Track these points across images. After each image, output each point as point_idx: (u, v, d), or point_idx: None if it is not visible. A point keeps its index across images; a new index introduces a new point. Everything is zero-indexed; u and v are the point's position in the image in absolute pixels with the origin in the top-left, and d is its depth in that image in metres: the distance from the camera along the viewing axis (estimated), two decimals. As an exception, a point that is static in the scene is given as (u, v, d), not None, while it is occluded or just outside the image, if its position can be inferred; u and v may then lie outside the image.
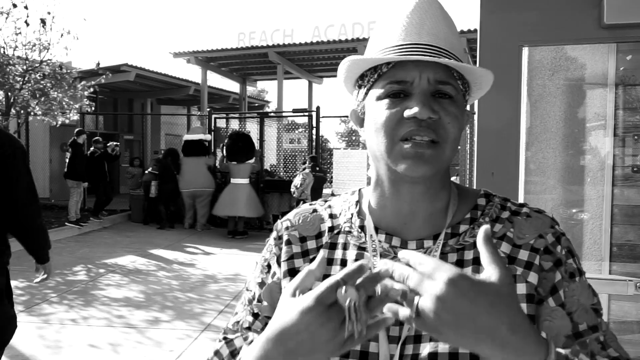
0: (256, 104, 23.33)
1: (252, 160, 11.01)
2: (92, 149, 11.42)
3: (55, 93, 9.76)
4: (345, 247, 0.90)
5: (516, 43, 2.19)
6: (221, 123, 13.45)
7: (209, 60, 16.37)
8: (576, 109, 2.58)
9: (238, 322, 0.96)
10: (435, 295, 0.59)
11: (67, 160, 10.81)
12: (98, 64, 10.94)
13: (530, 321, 0.64)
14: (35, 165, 14.28)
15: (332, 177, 11.63)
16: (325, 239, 0.93)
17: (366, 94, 0.87)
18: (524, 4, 2.28)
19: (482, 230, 0.66)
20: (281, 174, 13.94)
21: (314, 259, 0.85)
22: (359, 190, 0.99)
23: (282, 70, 15.59)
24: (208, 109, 13.81)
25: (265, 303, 0.94)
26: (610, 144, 2.60)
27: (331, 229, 0.94)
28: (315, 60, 16.25)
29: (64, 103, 9.98)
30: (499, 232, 0.85)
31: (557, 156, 2.38)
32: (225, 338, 0.93)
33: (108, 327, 5.09)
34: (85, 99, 10.64)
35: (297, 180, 10.27)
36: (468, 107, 0.92)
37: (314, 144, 11.61)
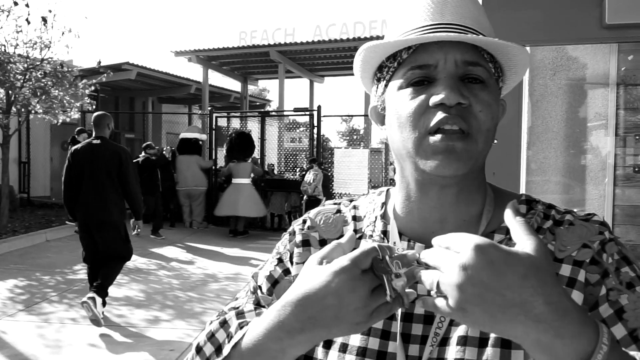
0: (257, 103, 23.34)
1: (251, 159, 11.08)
2: (142, 155, 10.55)
3: (56, 91, 9.76)
4: None
5: (518, 42, 2.19)
6: (222, 122, 13.46)
7: (210, 59, 16.38)
8: (577, 108, 2.58)
9: (236, 307, 0.86)
10: (459, 265, 0.53)
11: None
12: (99, 62, 10.97)
13: (573, 300, 0.55)
14: (36, 163, 14.33)
15: (333, 177, 11.62)
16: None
17: (386, 86, 0.78)
18: (527, 3, 2.28)
19: (510, 205, 0.61)
20: (280, 172, 13.93)
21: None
22: (387, 190, 0.89)
23: (283, 69, 15.60)
24: (209, 108, 13.82)
25: (271, 297, 0.85)
26: (612, 144, 2.60)
27: (354, 232, 0.82)
28: (316, 59, 16.26)
29: (64, 101, 9.98)
30: None
31: (558, 156, 2.38)
32: (220, 315, 0.85)
33: (108, 326, 5.10)
34: (87, 98, 10.64)
35: (308, 177, 10.31)
36: (503, 95, 0.83)
37: (315, 143, 11.62)
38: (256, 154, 12.32)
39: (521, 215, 0.60)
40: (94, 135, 5.30)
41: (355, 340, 0.76)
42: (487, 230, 0.77)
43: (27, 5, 9.08)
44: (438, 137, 0.69)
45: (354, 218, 0.88)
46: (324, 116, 11.75)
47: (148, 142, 10.39)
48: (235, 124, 14.48)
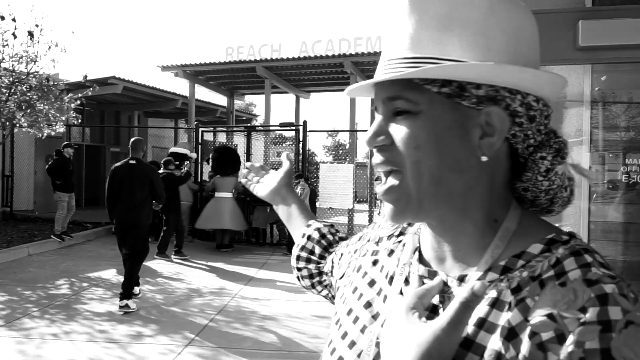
0: (244, 118, 23.36)
1: (237, 174, 11.05)
2: (163, 171, 9.76)
3: (42, 105, 9.71)
4: (396, 259, 0.85)
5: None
6: (208, 136, 13.45)
7: (197, 74, 16.41)
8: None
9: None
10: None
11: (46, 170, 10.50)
12: (85, 76, 10.92)
13: None
14: (20, 177, 14.18)
15: (318, 191, 11.65)
16: (390, 243, 0.87)
17: None
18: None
19: (478, 283, 0.59)
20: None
21: (376, 261, 0.87)
22: None
23: (269, 84, 15.67)
24: (195, 122, 13.81)
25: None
26: (587, 160, 2.66)
27: (400, 234, 0.87)
28: (302, 75, 16.35)
29: (50, 115, 9.92)
30: (522, 295, 0.62)
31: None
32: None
33: (90, 342, 5.03)
34: (72, 111, 10.58)
35: (296, 191, 10.34)
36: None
37: (300, 157, 11.65)
38: (242, 168, 12.30)
39: (482, 289, 0.59)
40: (130, 156, 6.55)
41: (357, 307, 0.82)
42: (492, 265, 0.68)
43: (13, 20, 9.05)
44: (378, 191, 0.71)
45: (409, 223, 0.89)
46: (309, 131, 11.81)
47: (168, 158, 10.13)
48: (222, 138, 14.46)
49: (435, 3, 0.66)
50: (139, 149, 6.62)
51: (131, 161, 6.51)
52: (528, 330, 0.58)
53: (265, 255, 10.20)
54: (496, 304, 0.63)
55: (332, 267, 1.07)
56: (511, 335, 0.59)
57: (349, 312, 0.83)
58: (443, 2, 0.66)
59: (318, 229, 1.17)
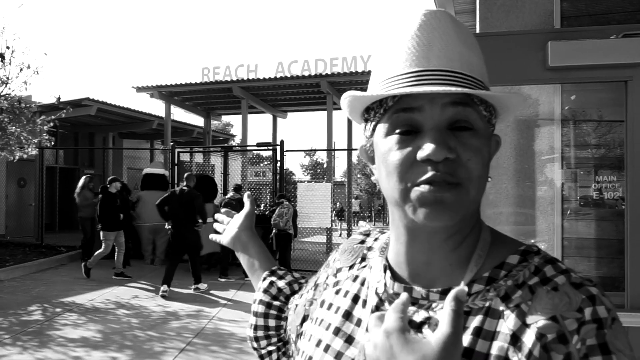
0: (220, 138, 23.28)
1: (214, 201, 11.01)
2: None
3: (13, 128, 9.53)
4: (363, 282, 0.86)
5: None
6: (185, 157, 13.35)
7: (173, 94, 16.33)
8: (526, 145, 2.69)
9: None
10: (373, 342, 0.63)
11: (97, 209, 9.90)
12: (59, 98, 10.76)
13: None
14: (-9, 201, 13.82)
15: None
16: (354, 270, 0.90)
17: (373, 129, 0.76)
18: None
19: (456, 291, 0.61)
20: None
21: (339, 290, 0.89)
22: None
23: (246, 104, 15.67)
24: (172, 143, 13.70)
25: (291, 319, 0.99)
26: (559, 177, 2.71)
27: (362, 260, 0.90)
28: (279, 95, 16.39)
29: (22, 138, 9.74)
30: (515, 301, 0.68)
31: (509, 190, 2.47)
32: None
33: (64, 369, 4.88)
34: (45, 134, 10.41)
35: (281, 211, 10.32)
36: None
37: (278, 177, 11.63)
38: (219, 188, 12.22)
39: (464, 292, 0.61)
40: (184, 184, 8.98)
41: (326, 337, 0.83)
42: (474, 277, 0.72)
43: (-16, 42, 8.92)
44: (426, 187, 0.67)
45: (369, 248, 0.92)
46: (287, 150, 11.83)
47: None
48: (198, 158, 14.37)
49: (469, 33, 0.74)
50: (190, 180, 9.05)
51: (184, 188, 8.94)
52: (533, 333, 0.63)
53: (243, 276, 10.07)
54: (489, 313, 0.68)
55: (290, 328, 1.03)
56: (514, 339, 0.64)
57: (318, 343, 0.84)
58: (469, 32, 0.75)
59: (262, 301, 1.10)
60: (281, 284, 1.11)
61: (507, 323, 0.66)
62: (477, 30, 2.61)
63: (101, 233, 9.69)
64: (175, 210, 8.74)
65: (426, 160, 0.67)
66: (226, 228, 1.27)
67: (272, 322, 1.08)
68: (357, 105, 0.77)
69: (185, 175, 9.18)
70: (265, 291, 1.11)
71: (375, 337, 0.63)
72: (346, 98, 0.76)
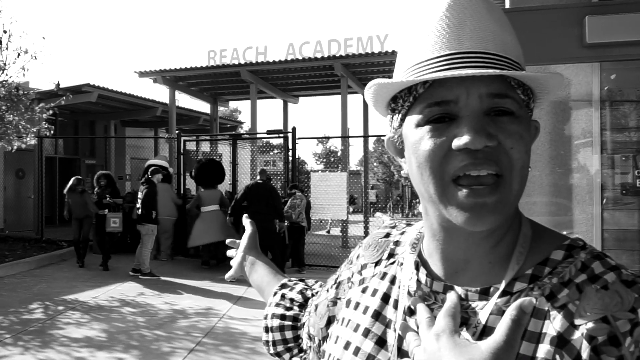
0: (228, 125, 23.34)
1: (220, 186, 11.07)
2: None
3: (11, 116, 9.62)
4: (393, 280, 0.85)
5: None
6: (191, 146, 13.41)
7: (178, 79, 16.38)
8: (562, 129, 2.64)
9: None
10: (422, 346, 0.66)
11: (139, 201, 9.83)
12: (58, 84, 10.87)
13: None
14: (-12, 193, 14.02)
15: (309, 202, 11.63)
16: (381, 267, 0.89)
17: (402, 120, 0.75)
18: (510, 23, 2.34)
19: (524, 299, 0.62)
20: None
21: (366, 288, 0.88)
22: None
23: (255, 89, 15.67)
24: (177, 131, 13.76)
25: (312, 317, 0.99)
26: (598, 162, 2.66)
27: (389, 256, 0.89)
28: (290, 78, 16.38)
29: (20, 127, 9.83)
30: (561, 301, 0.66)
31: (543, 178, 2.43)
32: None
33: (67, 370, 4.95)
34: (44, 122, 10.51)
35: (293, 202, 10.40)
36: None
37: (290, 166, 11.63)
38: (228, 179, 12.28)
39: (531, 305, 0.63)
40: (259, 178, 9.77)
41: (355, 338, 0.82)
42: (516, 275, 0.71)
43: (-21, 26, 9.00)
44: (464, 192, 0.66)
45: (396, 243, 0.91)
46: (299, 138, 11.78)
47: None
48: (205, 147, 14.42)
49: (501, 11, 0.73)
50: (264, 175, 9.86)
51: (259, 181, 9.70)
52: (582, 335, 0.62)
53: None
54: (534, 313, 0.66)
55: (313, 331, 1.02)
56: (562, 342, 0.63)
57: (347, 345, 0.83)
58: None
59: (274, 315, 1.12)
60: (293, 294, 1.12)
61: (554, 324, 0.65)
62: (507, 5, 2.56)
63: (142, 227, 9.70)
64: (255, 205, 9.30)
65: (463, 149, 0.65)
66: (234, 257, 1.31)
67: (289, 334, 1.09)
68: (383, 95, 0.76)
69: (260, 169, 10.15)
70: (277, 304, 1.12)
71: (425, 341, 0.66)
72: (371, 87, 0.74)
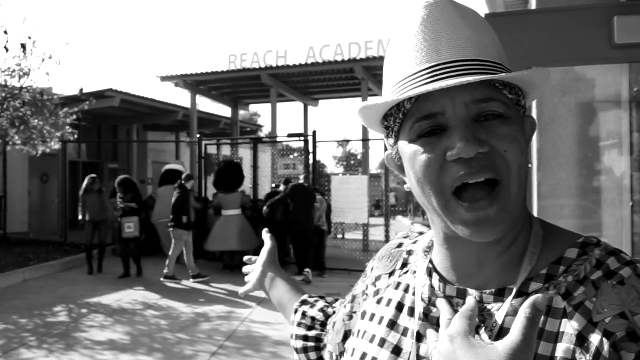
0: (248, 129, 23.47)
1: (241, 189, 11.12)
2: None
3: (36, 121, 9.80)
4: (406, 289, 0.86)
5: (524, 64, 2.23)
6: (212, 149, 13.50)
7: (198, 83, 16.52)
8: (589, 131, 2.61)
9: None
10: (438, 348, 0.66)
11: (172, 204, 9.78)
12: (81, 89, 11.02)
13: None
14: (13, 197, 14.30)
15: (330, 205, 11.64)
16: (395, 277, 0.90)
17: (396, 136, 0.77)
18: (532, 23, 2.33)
19: (537, 296, 0.60)
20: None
21: (380, 299, 0.89)
22: None
23: (275, 92, 15.72)
24: (198, 135, 13.87)
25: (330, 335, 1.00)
26: (627, 164, 2.63)
27: (402, 266, 0.90)
28: (310, 82, 16.41)
29: (44, 131, 10.01)
30: (577, 299, 0.66)
31: (570, 180, 2.40)
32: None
33: (92, 372, 5.02)
34: (68, 127, 10.67)
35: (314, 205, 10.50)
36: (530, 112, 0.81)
37: (311, 169, 11.65)
38: (249, 182, 12.36)
39: (544, 302, 0.60)
40: (302, 180, 10.69)
41: (371, 349, 0.83)
42: (530, 275, 0.72)
43: (5, 32, 9.18)
44: (465, 205, 0.68)
45: (409, 252, 0.92)
46: (319, 141, 11.81)
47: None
48: (226, 150, 14.52)
49: (475, 15, 0.75)
50: (306, 179, 10.88)
51: (304, 183, 10.58)
52: (600, 331, 0.62)
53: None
54: (550, 312, 0.67)
55: (331, 348, 1.02)
56: (580, 340, 0.63)
57: (363, 356, 0.85)
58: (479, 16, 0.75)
59: (297, 336, 1.12)
60: (313, 312, 1.12)
61: (572, 323, 0.65)
62: (534, 6, 2.54)
63: (172, 232, 9.68)
64: (300, 205, 9.86)
65: (457, 159, 0.67)
66: (251, 272, 1.30)
67: (313, 355, 1.10)
68: (373, 115, 0.78)
69: (303, 176, 11.18)
70: (299, 324, 1.12)
71: (439, 342, 0.66)
72: (360, 112, 0.77)
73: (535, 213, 2.38)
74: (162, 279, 9.55)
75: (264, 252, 1.27)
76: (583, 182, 2.48)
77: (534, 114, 2.28)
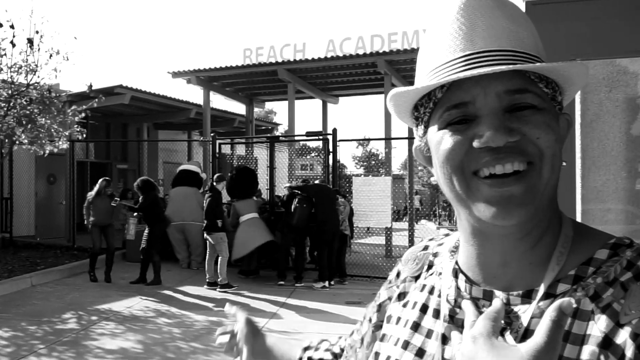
0: (264, 127, 23.54)
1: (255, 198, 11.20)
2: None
3: (43, 119, 9.91)
4: (431, 290, 0.88)
5: (567, 56, 2.20)
6: (226, 149, 13.55)
7: (212, 79, 16.60)
8: (636, 130, 2.55)
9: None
10: (461, 350, 0.68)
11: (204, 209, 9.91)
12: (90, 86, 11.12)
13: None
14: (19, 199, 14.50)
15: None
16: (421, 280, 0.92)
17: (426, 127, 0.79)
18: (575, 13, 2.29)
19: (563, 300, 0.62)
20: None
21: (406, 303, 0.91)
22: None
23: (293, 89, 15.74)
24: (211, 134, 13.94)
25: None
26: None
27: (428, 268, 0.93)
28: (330, 77, 16.39)
29: (52, 130, 10.12)
30: (605, 300, 0.67)
31: (619, 183, 2.35)
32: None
33: (103, 382, 5.07)
34: (76, 125, 10.79)
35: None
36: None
37: (331, 170, 11.58)
38: (265, 184, 12.37)
39: (571, 306, 0.62)
40: (320, 182, 10.95)
41: (394, 352, 0.85)
42: (559, 276, 0.73)
43: (12, 27, 9.30)
44: (488, 181, 0.70)
45: (434, 255, 0.94)
46: (340, 140, 11.73)
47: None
48: (241, 150, 14.56)
49: (514, 7, 0.77)
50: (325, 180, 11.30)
51: (323, 184, 10.92)
52: (627, 333, 0.63)
53: (293, 282, 10.15)
54: (577, 315, 0.68)
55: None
56: (606, 343, 0.64)
57: (387, 359, 0.87)
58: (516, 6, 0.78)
59: None
60: (319, 354, 1.15)
61: (598, 325, 0.66)
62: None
63: (211, 237, 9.74)
64: (327, 206, 10.04)
65: (484, 147, 0.69)
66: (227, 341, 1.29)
67: None
68: (403, 104, 0.80)
69: (322, 175, 11.53)
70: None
71: (463, 343, 0.68)
72: (391, 99, 0.79)
73: (578, 218, 2.35)
74: (218, 289, 9.52)
75: (241, 326, 1.26)
76: (632, 185, 2.44)
77: (577, 111, 2.25)
